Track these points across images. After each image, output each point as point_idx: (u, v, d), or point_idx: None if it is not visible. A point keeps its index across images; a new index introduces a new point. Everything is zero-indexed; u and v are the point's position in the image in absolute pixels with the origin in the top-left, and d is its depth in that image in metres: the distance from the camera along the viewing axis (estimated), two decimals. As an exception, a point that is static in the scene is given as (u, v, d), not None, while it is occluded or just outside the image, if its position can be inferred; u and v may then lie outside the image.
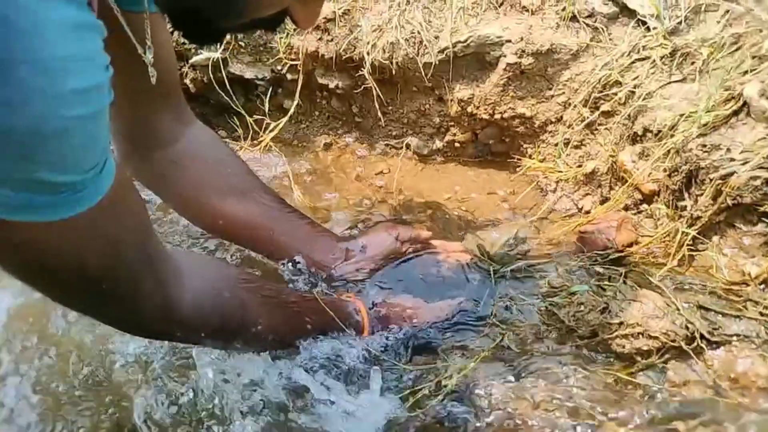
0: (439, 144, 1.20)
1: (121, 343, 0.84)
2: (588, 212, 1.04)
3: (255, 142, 1.20)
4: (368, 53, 1.09)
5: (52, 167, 0.40)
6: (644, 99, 0.95)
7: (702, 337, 0.71)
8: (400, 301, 0.86)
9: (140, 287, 0.55)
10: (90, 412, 0.79)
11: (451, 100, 1.12)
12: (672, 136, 0.89)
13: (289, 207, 0.91)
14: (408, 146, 1.21)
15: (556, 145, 1.08)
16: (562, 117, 1.07)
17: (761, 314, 0.71)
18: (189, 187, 0.84)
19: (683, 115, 0.89)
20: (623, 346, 0.74)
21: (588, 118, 1.02)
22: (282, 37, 1.14)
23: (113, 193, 0.47)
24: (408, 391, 0.76)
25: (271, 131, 1.21)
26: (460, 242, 0.99)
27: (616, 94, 0.99)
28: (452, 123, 1.16)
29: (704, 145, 0.85)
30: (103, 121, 0.43)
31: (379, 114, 1.18)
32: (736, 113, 0.87)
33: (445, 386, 0.74)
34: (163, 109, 0.78)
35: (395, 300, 0.86)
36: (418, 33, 1.07)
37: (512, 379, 0.75)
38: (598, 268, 0.90)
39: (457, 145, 1.19)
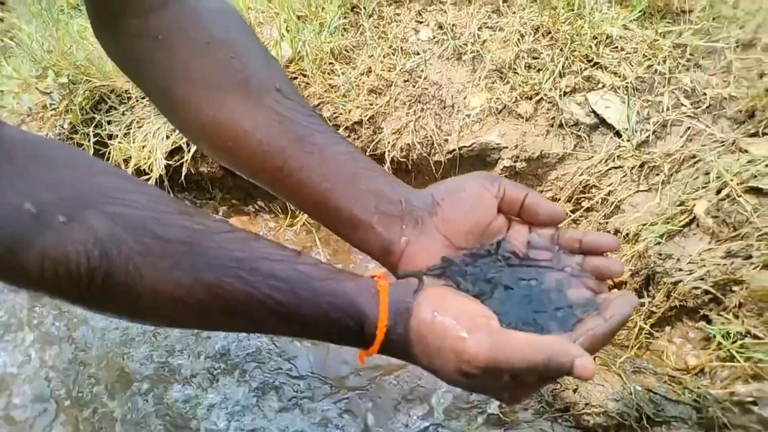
0: (446, 221, 1.41)
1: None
2: (570, 291, 1.24)
3: (294, 220, 1.40)
4: (388, 152, 1.30)
5: None
6: (616, 206, 1.15)
7: (648, 418, 0.92)
8: (455, 309, 0.47)
9: None
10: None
11: (458, 189, 1.33)
12: (636, 241, 1.10)
13: (322, 123, 0.56)
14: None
15: (545, 230, 1.29)
16: (550, 209, 1.28)
17: (694, 401, 0.92)
18: (173, 77, 0.55)
19: (645, 224, 1.10)
20: (588, 421, 0.95)
21: (571, 215, 1.22)
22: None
23: None
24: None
25: (303, 207, 1.42)
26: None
27: (594, 196, 1.20)
28: (458, 206, 1.37)
29: (660, 254, 1.05)
30: None
31: (396, 195, 1.39)
32: (688, 224, 1.07)
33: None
34: None
35: (447, 304, 0.47)
36: (430, 137, 1.28)
37: (502, 444, 0.97)
38: (575, 345, 1.11)
39: (462, 222, 1.39)
